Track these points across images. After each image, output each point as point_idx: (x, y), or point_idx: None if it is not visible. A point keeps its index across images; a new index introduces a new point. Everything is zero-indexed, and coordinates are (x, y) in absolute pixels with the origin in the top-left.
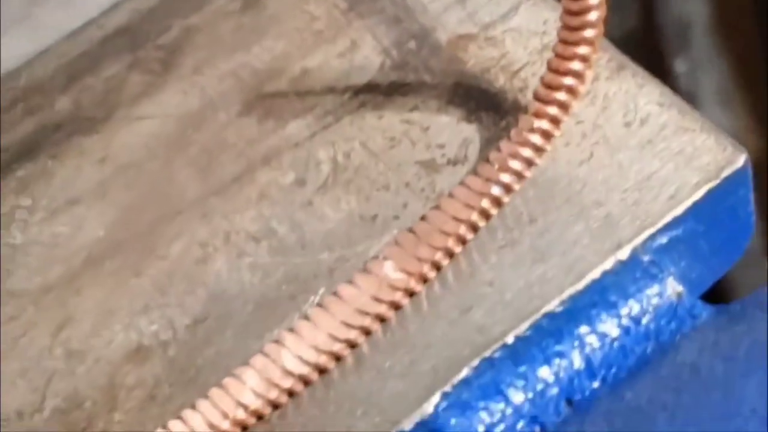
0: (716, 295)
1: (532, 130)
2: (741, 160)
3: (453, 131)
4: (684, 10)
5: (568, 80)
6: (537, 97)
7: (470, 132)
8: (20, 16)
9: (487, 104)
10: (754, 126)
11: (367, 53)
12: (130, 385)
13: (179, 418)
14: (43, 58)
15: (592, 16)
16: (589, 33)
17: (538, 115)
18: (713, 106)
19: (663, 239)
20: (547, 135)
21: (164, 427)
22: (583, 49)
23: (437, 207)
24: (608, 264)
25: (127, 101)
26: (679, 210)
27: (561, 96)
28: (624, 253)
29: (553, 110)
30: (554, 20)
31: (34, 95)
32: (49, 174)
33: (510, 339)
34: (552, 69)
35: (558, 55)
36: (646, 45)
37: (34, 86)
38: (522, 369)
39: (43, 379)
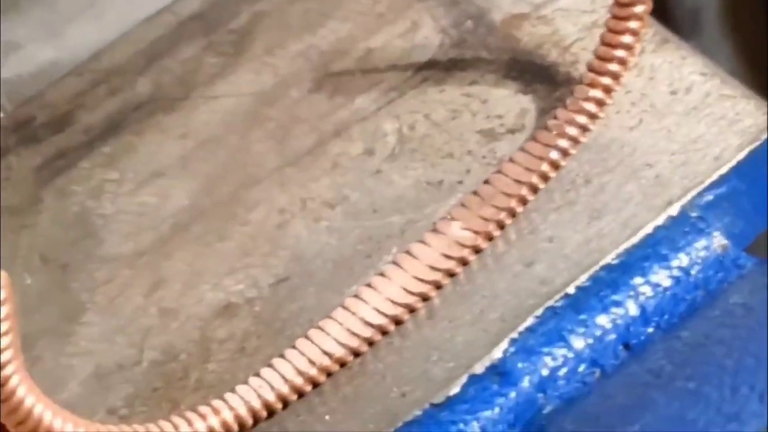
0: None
1: (587, 98)
2: None
3: (510, 102)
4: None
5: (620, 52)
6: (591, 69)
7: (527, 103)
8: (85, 4)
9: (541, 77)
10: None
11: (427, 33)
12: (221, 339)
13: (270, 366)
14: (121, 42)
15: None
16: (638, 8)
17: (593, 84)
18: None
19: (709, 197)
20: (600, 103)
21: (257, 374)
22: (633, 24)
23: (499, 171)
24: (660, 220)
25: (204, 81)
26: (723, 170)
27: (613, 67)
28: (674, 210)
29: (606, 80)
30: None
31: (116, 77)
32: (133, 149)
33: (571, 289)
34: (605, 42)
35: (610, 30)
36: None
37: (115, 69)
38: (582, 317)
39: (139, 335)
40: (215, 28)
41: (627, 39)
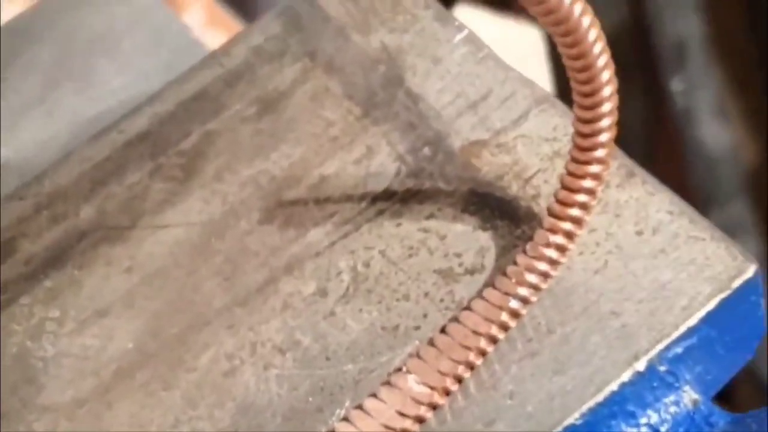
0: None
1: (547, 244)
2: (751, 270)
3: (469, 239)
4: (679, 29)
5: (581, 197)
6: (551, 213)
7: (486, 240)
8: (37, 99)
9: (501, 212)
10: (751, 138)
11: (383, 159)
12: None
13: None
14: (66, 162)
15: (603, 137)
16: (600, 153)
17: (553, 230)
18: (710, 122)
19: (678, 349)
20: (562, 249)
21: None
22: (594, 168)
23: (457, 320)
24: (626, 375)
25: (151, 209)
26: (693, 320)
27: (575, 212)
28: (641, 365)
29: (567, 226)
30: (564, 126)
31: (59, 202)
32: (76, 284)
33: None
34: (565, 186)
35: (570, 173)
36: (642, 65)
37: (59, 192)
38: None
39: None
40: (164, 149)
41: (588, 183)
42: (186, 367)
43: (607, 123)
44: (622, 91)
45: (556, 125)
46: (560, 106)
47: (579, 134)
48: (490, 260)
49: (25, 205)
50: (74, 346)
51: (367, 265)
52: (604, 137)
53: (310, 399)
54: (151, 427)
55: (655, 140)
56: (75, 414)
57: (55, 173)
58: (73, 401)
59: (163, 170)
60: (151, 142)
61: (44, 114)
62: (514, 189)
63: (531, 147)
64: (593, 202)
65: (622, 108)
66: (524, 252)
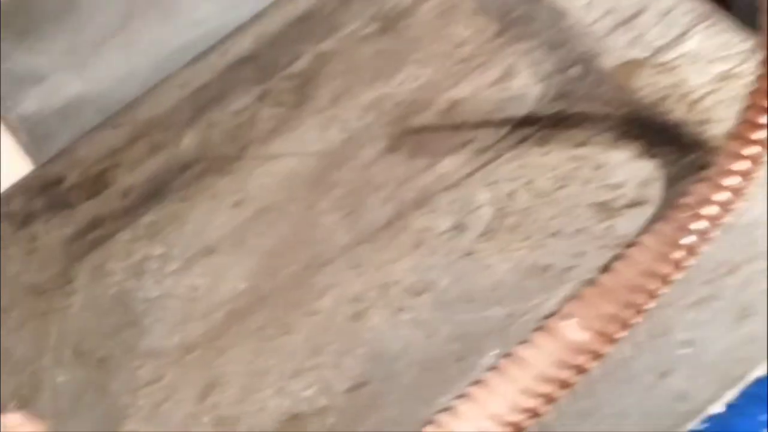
0: None
1: (729, 172)
2: None
3: (629, 169)
4: None
5: None
6: (735, 136)
7: (649, 170)
8: (115, 29)
9: (665, 138)
10: None
11: (524, 81)
12: None
13: None
14: (163, 87)
15: None
16: None
17: (736, 155)
18: None
19: None
20: (747, 176)
21: None
22: None
23: (623, 258)
24: None
25: (260, 137)
26: None
27: (762, 135)
28: None
29: (753, 150)
30: (736, 43)
31: (157, 130)
32: (180, 219)
33: (716, 408)
34: (752, 105)
35: (758, 91)
36: None
37: (157, 120)
38: None
39: None
40: (272, 73)
41: None
42: (306, 309)
43: None
44: None
45: (725, 43)
46: (727, 21)
47: None
48: (654, 192)
49: (119, 134)
50: (180, 287)
51: (510, 197)
52: None
53: (451, 346)
54: (270, 377)
55: None
56: (183, 360)
57: (152, 99)
58: (181, 346)
59: (271, 95)
60: (257, 65)
61: (123, 45)
62: (679, 113)
63: (697, 67)
64: None
65: None
66: (701, 180)
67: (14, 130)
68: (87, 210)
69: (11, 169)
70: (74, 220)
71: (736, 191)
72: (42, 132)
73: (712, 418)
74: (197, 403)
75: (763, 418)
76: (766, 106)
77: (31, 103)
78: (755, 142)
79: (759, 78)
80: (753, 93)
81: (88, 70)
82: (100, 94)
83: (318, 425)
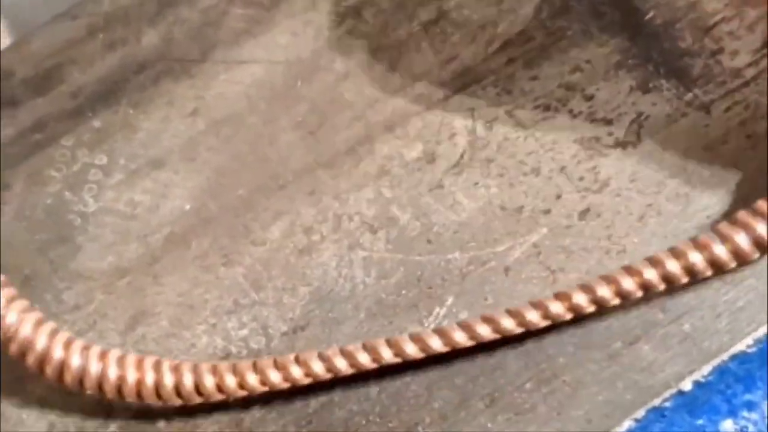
0: None
1: None
2: None
3: (624, 103)
4: None
5: None
6: None
7: (646, 105)
8: None
9: (668, 69)
10: None
11: None
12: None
13: None
14: None
15: None
16: None
17: None
18: None
19: None
20: None
21: None
22: None
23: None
24: None
25: (227, 40)
26: None
27: None
28: None
29: None
30: None
31: (117, 25)
32: (130, 126)
33: (686, 385)
34: None
35: None
36: None
37: (118, 13)
38: (699, 422)
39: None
40: None
41: None
42: (253, 238)
43: None
44: None
45: None
46: None
47: None
48: (648, 131)
49: (77, 26)
50: (120, 202)
51: (489, 127)
52: None
53: (404, 291)
54: (204, 311)
55: None
56: (114, 285)
57: None
58: (113, 269)
59: None
60: None
61: None
62: (689, 40)
63: None
64: None
65: None
66: None
67: None
68: (32, 109)
69: None
70: (18, 120)
71: None
72: (20, 9)
73: (680, 396)
74: (122, 335)
75: (741, 399)
76: None
77: None
78: None
79: None
80: None
81: None
82: None
83: None
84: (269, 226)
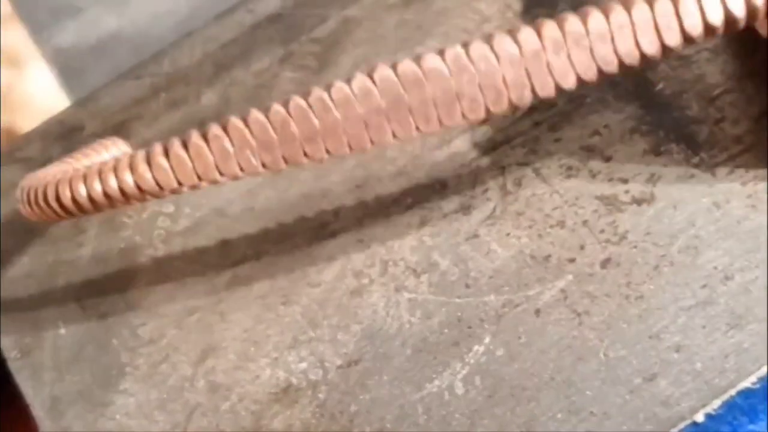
0: None
1: None
2: None
3: (638, 164)
4: None
5: None
6: None
7: (657, 166)
8: None
9: (678, 135)
10: None
11: None
12: (277, 431)
13: None
14: (188, 41)
15: None
16: None
17: None
18: None
19: None
20: None
21: None
22: None
23: None
24: None
25: (280, 99)
26: None
27: None
28: None
29: None
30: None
31: (179, 85)
32: None
33: (699, 417)
34: None
35: None
36: None
37: (179, 74)
38: None
39: (183, 413)
40: (297, 35)
41: None
42: (308, 280)
43: None
44: None
45: (749, 41)
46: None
47: None
48: (661, 190)
49: (141, 85)
50: (187, 247)
51: (518, 183)
52: None
53: (446, 330)
54: (266, 345)
55: None
56: (184, 322)
57: (176, 52)
58: (183, 308)
59: (294, 58)
60: (283, 26)
61: None
62: (695, 109)
63: (717, 62)
64: None
65: None
66: None
67: (49, 63)
68: None
69: (48, 101)
70: None
71: None
72: (76, 66)
73: (693, 426)
74: (194, 367)
75: (748, 428)
76: None
77: (67, 36)
78: None
79: None
80: None
81: (126, 6)
82: (137, 32)
83: (309, 400)
84: (323, 270)
